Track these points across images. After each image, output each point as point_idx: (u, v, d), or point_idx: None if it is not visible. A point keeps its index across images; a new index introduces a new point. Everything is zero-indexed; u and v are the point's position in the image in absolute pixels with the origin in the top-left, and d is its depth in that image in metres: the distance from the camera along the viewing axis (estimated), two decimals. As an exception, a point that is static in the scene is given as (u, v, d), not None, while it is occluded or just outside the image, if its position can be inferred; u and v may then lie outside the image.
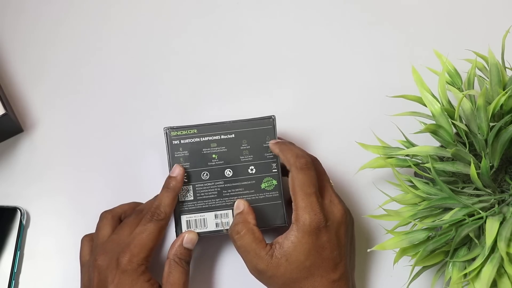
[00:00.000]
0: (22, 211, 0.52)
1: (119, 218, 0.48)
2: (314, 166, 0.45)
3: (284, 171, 0.50)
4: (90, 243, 0.48)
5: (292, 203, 0.44)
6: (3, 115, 0.50)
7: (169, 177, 0.47)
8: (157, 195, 0.50)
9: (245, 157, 0.48)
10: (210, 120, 0.49)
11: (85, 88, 0.57)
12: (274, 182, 0.48)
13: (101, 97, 0.56)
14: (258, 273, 0.43)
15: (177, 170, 0.47)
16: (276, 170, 0.48)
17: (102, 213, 0.48)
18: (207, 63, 0.58)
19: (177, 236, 0.47)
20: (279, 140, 0.48)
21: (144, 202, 0.51)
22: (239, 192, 0.48)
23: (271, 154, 0.48)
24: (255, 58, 0.58)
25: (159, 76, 0.57)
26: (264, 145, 0.48)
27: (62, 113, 0.56)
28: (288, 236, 0.43)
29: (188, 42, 0.58)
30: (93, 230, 0.48)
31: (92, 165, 0.54)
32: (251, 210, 0.46)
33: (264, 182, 0.48)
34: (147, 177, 0.54)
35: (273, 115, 0.48)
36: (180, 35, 0.59)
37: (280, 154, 0.46)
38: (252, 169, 0.48)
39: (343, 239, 0.45)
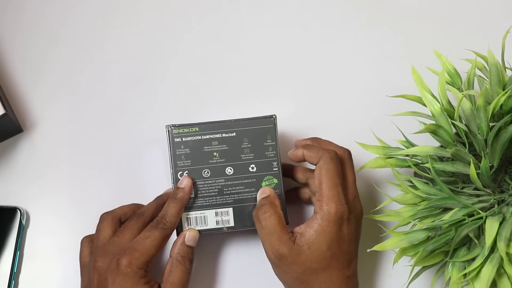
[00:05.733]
0: (22, 211, 0.52)
1: (119, 219, 0.48)
2: (343, 160, 0.46)
3: (285, 171, 0.50)
4: (90, 244, 0.48)
5: (316, 194, 0.44)
6: (3, 115, 0.50)
7: (177, 188, 0.47)
8: (157, 197, 0.50)
9: (246, 155, 0.48)
10: (211, 120, 0.49)
11: (85, 88, 0.57)
12: (275, 180, 0.48)
13: (101, 97, 0.56)
14: (279, 257, 0.43)
15: (185, 181, 0.47)
16: (276, 169, 0.48)
17: (102, 214, 0.48)
18: (208, 64, 0.58)
19: (178, 234, 0.47)
20: (295, 146, 0.49)
21: (144, 202, 0.50)
22: (240, 190, 0.48)
23: (272, 152, 0.48)
24: (256, 58, 0.58)
25: (160, 76, 0.57)
26: (265, 143, 0.48)
27: (62, 113, 0.56)
28: (311, 225, 0.43)
29: (189, 43, 0.58)
30: (93, 231, 0.48)
31: (92, 165, 0.54)
32: (277, 196, 0.47)
33: (265, 181, 0.48)
34: (147, 177, 0.54)
35: (274, 114, 0.49)
36: (181, 36, 0.59)
37: (305, 152, 0.46)
38: (253, 167, 0.48)
39: (359, 235, 0.46)
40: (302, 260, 0.43)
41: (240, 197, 0.48)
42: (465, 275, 0.41)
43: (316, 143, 0.48)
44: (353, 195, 0.46)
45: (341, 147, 0.48)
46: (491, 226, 0.39)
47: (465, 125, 0.43)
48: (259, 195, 0.47)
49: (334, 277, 0.43)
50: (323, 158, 0.45)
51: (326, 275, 0.43)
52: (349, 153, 0.47)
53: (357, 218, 0.45)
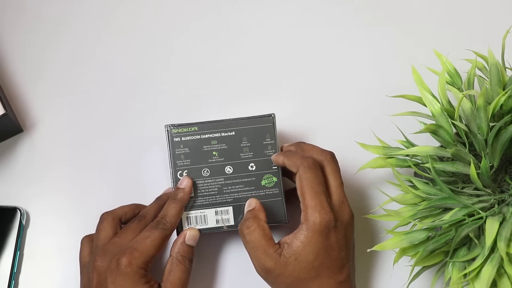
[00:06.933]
0: (22, 211, 0.52)
1: (120, 219, 0.48)
2: (325, 165, 0.45)
3: (284, 170, 0.50)
4: (90, 244, 0.48)
5: (301, 204, 0.44)
6: (3, 115, 0.50)
7: (177, 188, 0.47)
8: (157, 198, 0.50)
9: (245, 154, 0.48)
10: (210, 119, 0.49)
11: (85, 88, 0.57)
12: (274, 179, 0.48)
13: (101, 97, 0.56)
14: (265, 271, 0.43)
15: (185, 182, 0.47)
16: (276, 167, 0.48)
17: (103, 214, 0.48)
18: (207, 64, 0.58)
19: (178, 233, 0.47)
20: (281, 151, 0.48)
21: (144, 202, 0.51)
22: (239, 189, 0.48)
23: (271, 151, 0.48)
24: (255, 58, 0.58)
25: (159, 76, 0.57)
26: (264, 142, 0.48)
27: (62, 113, 0.56)
28: (297, 236, 0.43)
29: (188, 43, 0.58)
30: (93, 231, 0.48)
31: (92, 165, 0.54)
32: (262, 208, 0.46)
33: (264, 179, 0.48)
34: (147, 176, 0.54)
35: (273, 113, 0.49)
36: (181, 36, 0.59)
37: (285, 161, 0.46)
38: (252, 166, 0.48)
39: (350, 240, 0.45)
40: (290, 272, 0.42)
41: (240, 196, 0.48)
42: (465, 275, 0.41)
43: (299, 148, 0.47)
44: (339, 200, 0.45)
45: (323, 151, 0.46)
46: (491, 226, 0.39)
47: (465, 125, 0.43)
48: (246, 208, 0.47)
49: (325, 284, 0.43)
50: (301, 167, 0.44)
51: (316, 283, 0.43)
52: (331, 156, 0.46)
53: (346, 223, 0.44)
